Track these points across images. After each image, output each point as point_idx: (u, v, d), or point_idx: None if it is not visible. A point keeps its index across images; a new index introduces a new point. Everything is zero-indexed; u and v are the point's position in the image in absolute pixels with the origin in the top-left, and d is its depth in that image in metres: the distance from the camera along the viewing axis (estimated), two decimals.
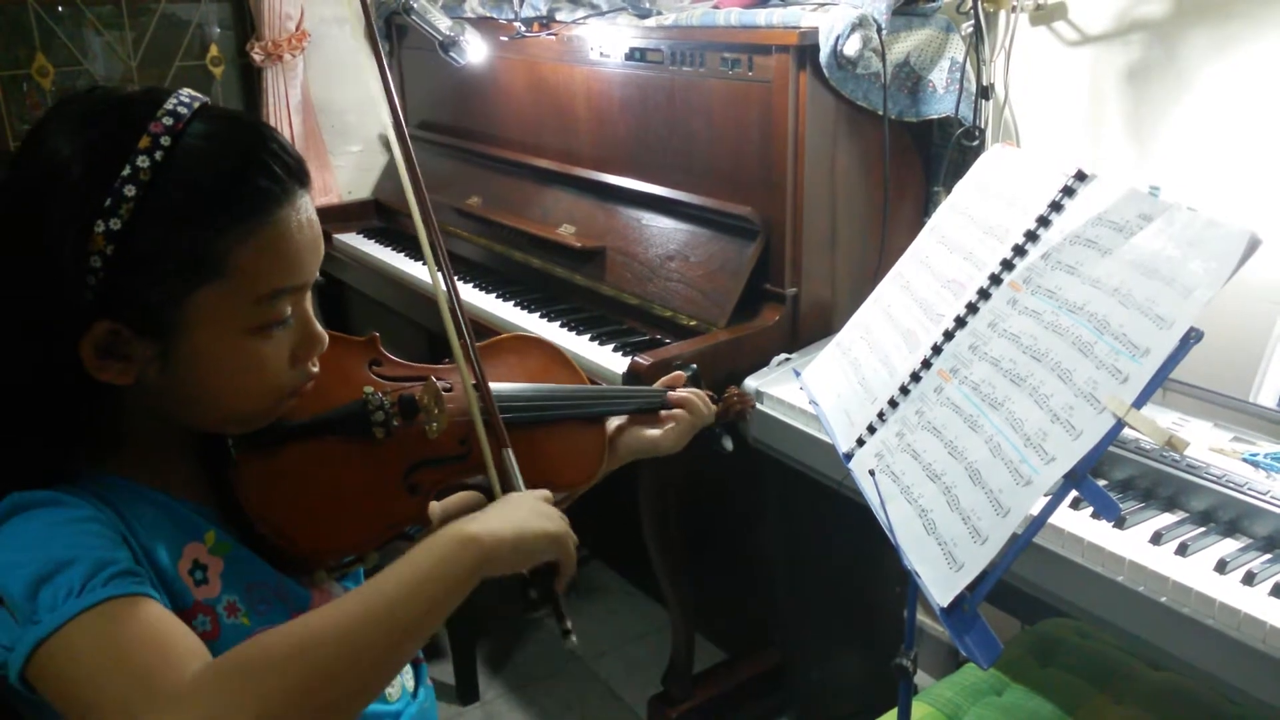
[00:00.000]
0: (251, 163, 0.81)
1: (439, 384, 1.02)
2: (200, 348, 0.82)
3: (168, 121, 0.79)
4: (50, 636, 0.69)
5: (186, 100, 0.82)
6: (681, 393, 1.26)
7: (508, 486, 1.01)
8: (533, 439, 1.10)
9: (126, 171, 0.77)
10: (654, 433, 1.23)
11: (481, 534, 0.83)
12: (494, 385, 1.07)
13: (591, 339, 2.04)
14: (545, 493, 0.96)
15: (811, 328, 1.97)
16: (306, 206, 0.85)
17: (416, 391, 1.01)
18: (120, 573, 0.73)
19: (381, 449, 0.98)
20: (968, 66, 1.88)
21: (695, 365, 1.36)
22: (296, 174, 0.84)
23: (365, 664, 0.73)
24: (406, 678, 1.02)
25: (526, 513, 0.90)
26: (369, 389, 0.99)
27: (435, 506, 1.16)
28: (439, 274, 1.05)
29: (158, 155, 0.78)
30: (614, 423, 1.24)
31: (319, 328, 0.91)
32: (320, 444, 0.95)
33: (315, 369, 0.92)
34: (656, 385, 1.29)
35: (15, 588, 0.72)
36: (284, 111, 2.85)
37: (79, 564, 0.72)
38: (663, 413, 1.25)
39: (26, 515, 0.77)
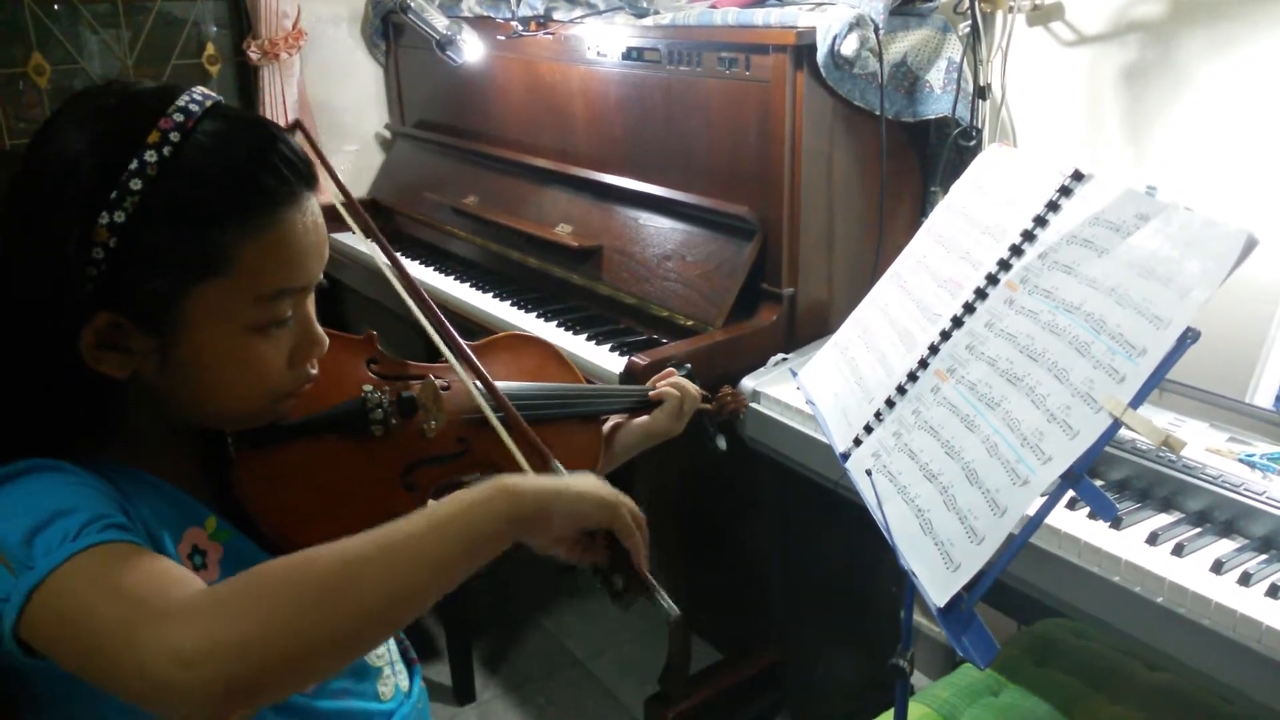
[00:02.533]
0: (260, 162, 0.82)
1: (437, 382, 1.02)
2: (199, 344, 0.82)
3: (178, 118, 0.80)
4: (45, 580, 0.69)
5: (199, 98, 0.83)
6: (660, 388, 1.27)
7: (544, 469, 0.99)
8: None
9: (134, 165, 0.77)
10: (644, 419, 1.25)
11: (517, 483, 0.80)
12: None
13: (589, 339, 2.04)
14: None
15: (808, 327, 1.97)
16: (313, 209, 0.86)
17: (415, 390, 1.01)
18: (117, 524, 0.73)
19: (380, 447, 0.99)
20: (965, 66, 1.88)
21: (689, 365, 1.36)
22: (304, 175, 0.85)
23: (373, 592, 0.70)
24: (401, 678, 1.01)
25: (572, 478, 0.88)
26: (368, 387, 1.00)
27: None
28: (390, 273, 1.05)
29: (166, 151, 0.79)
30: (610, 422, 1.25)
31: (319, 330, 0.91)
32: (319, 442, 0.96)
33: (314, 371, 0.92)
34: (649, 385, 1.30)
35: (11, 537, 0.72)
36: (280, 110, 2.84)
37: (77, 513, 0.72)
38: (650, 394, 1.26)
39: (31, 476, 0.77)
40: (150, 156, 0.78)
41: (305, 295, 0.88)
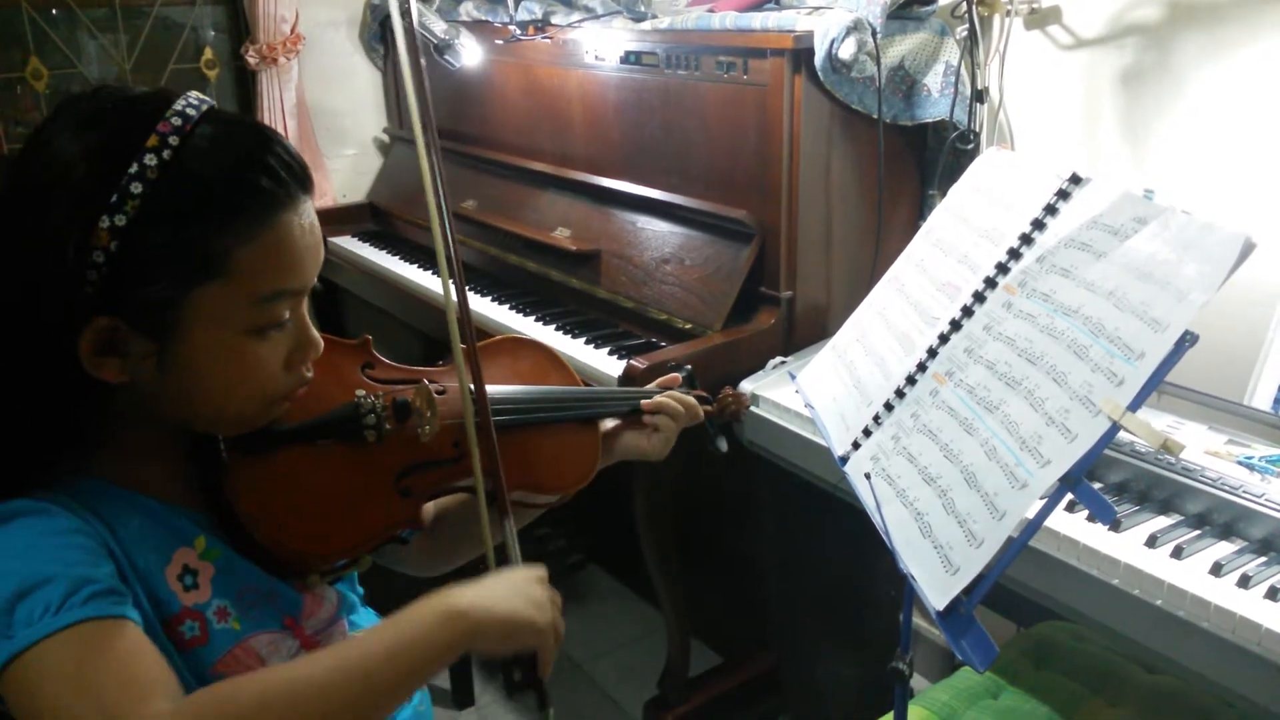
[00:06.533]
0: (257, 165, 0.83)
1: (432, 387, 1.01)
2: (197, 347, 0.83)
3: (176, 122, 0.81)
4: (23, 653, 0.69)
5: (195, 102, 0.83)
6: (656, 399, 1.23)
7: (503, 560, 0.99)
8: (526, 442, 1.10)
9: (134, 169, 0.78)
10: (641, 442, 1.22)
11: (472, 611, 0.82)
12: (488, 389, 1.07)
13: (587, 342, 2.04)
14: (541, 572, 0.93)
15: (807, 331, 1.97)
16: (308, 211, 0.86)
17: (410, 395, 1.00)
18: (100, 592, 0.73)
19: (373, 452, 0.98)
20: (962, 70, 1.88)
21: (690, 366, 1.35)
22: (300, 178, 0.86)
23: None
24: None
25: (521, 598, 0.87)
26: (360, 392, 0.99)
27: (429, 507, 1.15)
28: (450, 284, 1.04)
29: (165, 154, 0.79)
30: (608, 424, 1.24)
31: (315, 333, 0.91)
32: (312, 448, 0.95)
33: (310, 374, 0.93)
34: (650, 387, 1.29)
35: None
36: (279, 115, 2.84)
37: (59, 581, 0.72)
38: (645, 419, 1.22)
39: (11, 525, 0.76)
40: (150, 160, 0.78)
41: (301, 297, 0.89)
